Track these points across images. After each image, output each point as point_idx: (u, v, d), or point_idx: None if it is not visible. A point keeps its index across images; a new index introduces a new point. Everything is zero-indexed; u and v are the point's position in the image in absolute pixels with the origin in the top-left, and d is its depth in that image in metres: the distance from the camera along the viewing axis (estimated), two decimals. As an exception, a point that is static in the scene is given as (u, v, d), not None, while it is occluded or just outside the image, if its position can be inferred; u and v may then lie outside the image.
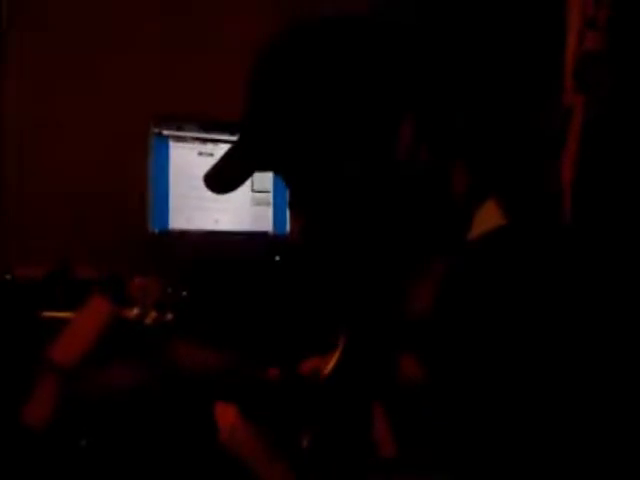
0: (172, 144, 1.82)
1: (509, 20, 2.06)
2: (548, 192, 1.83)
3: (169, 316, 0.98)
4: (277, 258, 1.89)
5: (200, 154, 1.84)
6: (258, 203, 1.89)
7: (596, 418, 0.68)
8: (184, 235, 1.82)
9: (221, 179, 0.86)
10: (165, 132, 1.81)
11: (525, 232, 0.78)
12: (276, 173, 0.87)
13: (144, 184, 1.79)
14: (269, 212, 1.89)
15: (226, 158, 0.85)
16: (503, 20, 2.07)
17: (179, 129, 1.83)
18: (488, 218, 0.80)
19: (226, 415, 0.88)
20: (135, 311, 0.96)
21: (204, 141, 1.84)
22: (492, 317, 0.70)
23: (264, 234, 1.91)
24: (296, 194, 0.85)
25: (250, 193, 1.87)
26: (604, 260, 0.78)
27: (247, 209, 1.87)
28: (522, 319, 0.69)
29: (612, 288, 0.76)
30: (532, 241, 0.76)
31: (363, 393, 0.88)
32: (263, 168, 0.87)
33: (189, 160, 1.82)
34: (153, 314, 0.97)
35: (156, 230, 1.80)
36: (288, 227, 1.90)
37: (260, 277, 1.75)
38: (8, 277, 1.58)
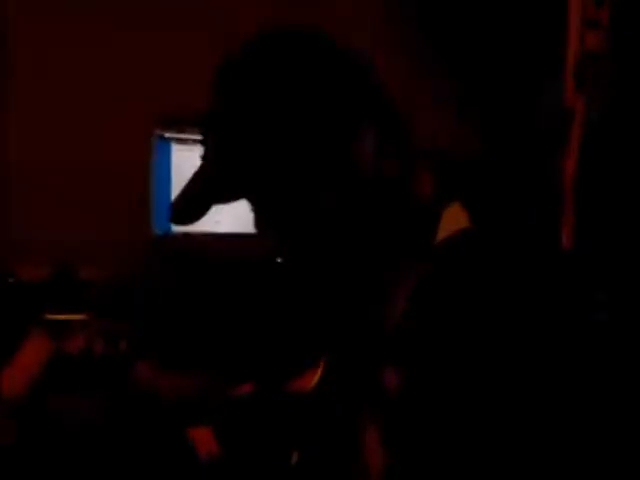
0: (174, 146, 1.83)
1: (508, 19, 2.06)
2: (540, 192, 1.83)
3: (122, 345, 0.97)
4: (279, 260, 1.89)
5: (202, 156, 1.84)
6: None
7: (575, 418, 0.69)
8: (186, 237, 1.82)
9: (187, 210, 0.84)
10: (167, 134, 1.82)
11: (491, 235, 0.78)
12: (243, 193, 0.85)
13: (147, 186, 1.79)
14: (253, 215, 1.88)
15: (192, 185, 0.84)
16: (501, 19, 2.07)
17: (181, 131, 1.83)
18: (453, 221, 0.80)
19: (204, 439, 0.88)
20: (80, 344, 0.95)
21: (206, 143, 1.84)
22: (464, 323, 0.71)
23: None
24: (263, 212, 0.85)
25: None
26: (571, 261, 0.79)
27: (249, 211, 1.87)
28: (492, 323, 0.70)
29: (581, 288, 0.76)
30: (498, 245, 0.76)
31: (348, 405, 0.87)
32: (230, 193, 0.85)
33: (191, 162, 1.82)
34: (101, 345, 0.97)
35: (158, 232, 1.81)
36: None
37: (262, 279, 1.75)
38: (11, 280, 1.59)
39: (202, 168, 0.83)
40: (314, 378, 0.97)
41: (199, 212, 0.83)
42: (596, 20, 1.76)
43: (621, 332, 0.75)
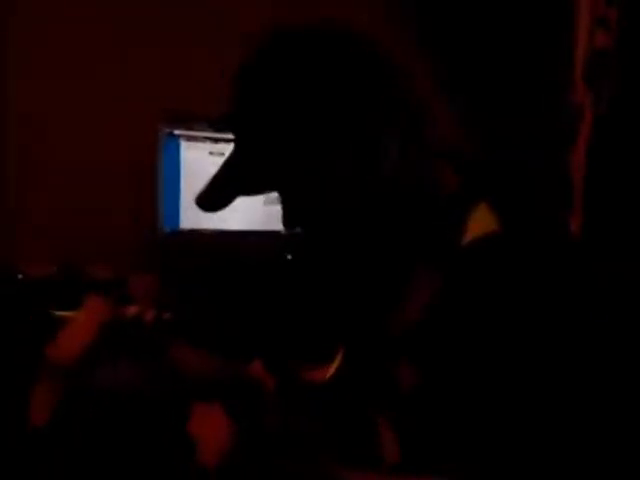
0: (183, 143, 1.83)
1: (514, 17, 2.06)
2: (552, 190, 1.83)
3: (167, 315, 0.98)
4: (289, 257, 1.89)
5: (211, 153, 1.84)
6: (270, 202, 1.88)
7: (585, 421, 0.69)
8: (195, 234, 1.83)
9: (213, 198, 0.85)
10: (176, 131, 1.82)
11: (519, 239, 0.77)
12: (270, 188, 0.86)
13: (155, 183, 1.80)
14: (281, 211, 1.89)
15: (220, 177, 0.85)
16: (511, 18, 2.07)
17: (190, 128, 1.83)
18: (482, 223, 0.79)
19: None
20: (133, 309, 0.96)
21: (215, 140, 1.85)
22: (486, 327, 0.71)
23: (276, 233, 1.91)
24: (290, 208, 0.85)
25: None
26: (600, 268, 0.79)
27: (258, 208, 1.87)
28: (520, 327, 0.70)
29: (610, 298, 0.76)
30: (526, 249, 0.76)
31: (364, 400, 0.88)
32: (258, 185, 0.86)
33: (200, 159, 1.83)
34: (152, 312, 0.97)
35: (167, 230, 1.81)
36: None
37: (272, 276, 1.75)
38: (20, 276, 1.60)
39: (229, 161, 0.84)
40: (330, 370, 0.97)
41: (225, 201, 0.84)
42: (605, 18, 1.76)
43: (621, 332, 0.75)
